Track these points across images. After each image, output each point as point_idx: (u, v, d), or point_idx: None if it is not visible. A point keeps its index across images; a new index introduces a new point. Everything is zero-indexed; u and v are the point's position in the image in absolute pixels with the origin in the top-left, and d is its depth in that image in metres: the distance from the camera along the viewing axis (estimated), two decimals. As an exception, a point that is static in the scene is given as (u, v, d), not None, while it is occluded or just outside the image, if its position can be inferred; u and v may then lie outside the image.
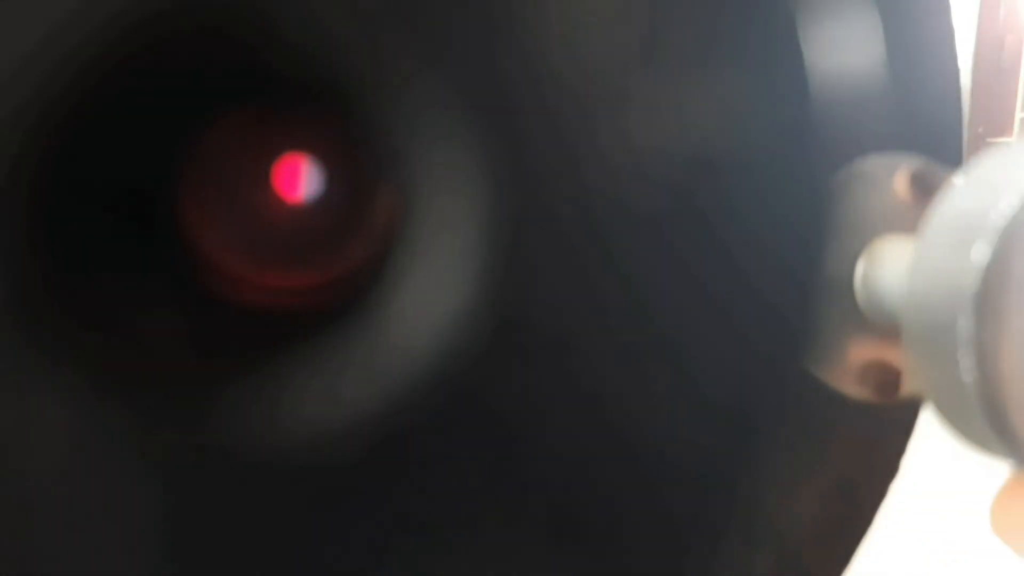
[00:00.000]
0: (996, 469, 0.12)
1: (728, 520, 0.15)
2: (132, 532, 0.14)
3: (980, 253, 0.10)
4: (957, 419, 0.11)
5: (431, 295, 0.14)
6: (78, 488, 0.14)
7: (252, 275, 0.18)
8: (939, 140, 0.15)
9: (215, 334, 0.17)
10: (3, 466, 0.14)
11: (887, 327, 0.13)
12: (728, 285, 0.14)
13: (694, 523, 0.15)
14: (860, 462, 0.16)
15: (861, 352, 0.14)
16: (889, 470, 0.16)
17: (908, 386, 0.14)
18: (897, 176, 0.14)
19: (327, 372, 0.15)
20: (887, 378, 0.14)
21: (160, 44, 0.14)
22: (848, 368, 0.14)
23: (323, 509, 0.15)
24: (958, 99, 0.16)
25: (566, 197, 0.14)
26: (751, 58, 0.14)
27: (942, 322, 0.11)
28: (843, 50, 0.15)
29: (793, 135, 0.14)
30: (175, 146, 0.17)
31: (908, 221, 0.14)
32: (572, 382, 0.15)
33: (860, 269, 0.14)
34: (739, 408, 0.15)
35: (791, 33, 0.14)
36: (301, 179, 0.18)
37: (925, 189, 0.14)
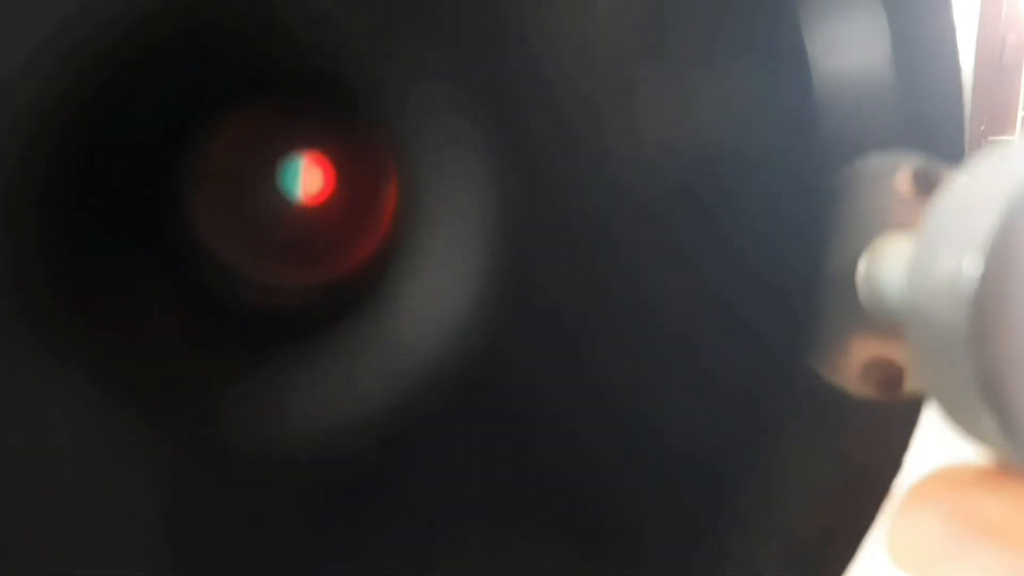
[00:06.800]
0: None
1: (733, 516, 0.15)
2: (138, 533, 0.15)
3: (979, 249, 0.11)
4: (960, 415, 0.11)
5: (438, 291, 0.14)
6: (85, 489, 0.14)
7: (258, 273, 0.19)
8: (941, 138, 0.15)
9: (222, 333, 0.18)
10: (9, 466, 0.14)
11: (890, 324, 0.14)
12: (734, 279, 0.14)
13: (700, 519, 0.15)
14: (864, 459, 0.16)
15: (864, 349, 0.14)
16: (893, 466, 0.16)
17: (911, 383, 0.14)
18: (899, 174, 0.14)
19: (334, 369, 0.15)
20: (890, 375, 0.14)
21: (167, 40, 0.14)
22: (851, 365, 0.14)
23: (332, 508, 0.15)
24: (960, 97, 0.16)
25: (572, 193, 0.14)
26: (755, 55, 0.14)
27: (943, 318, 0.11)
28: (846, 48, 0.15)
29: (796, 132, 0.14)
30: (180, 143, 0.17)
31: (910, 218, 0.14)
32: (580, 376, 0.15)
33: (862, 266, 0.14)
34: (745, 404, 0.15)
35: (795, 30, 0.14)
36: (306, 177, 0.18)
37: (927, 186, 0.14)
